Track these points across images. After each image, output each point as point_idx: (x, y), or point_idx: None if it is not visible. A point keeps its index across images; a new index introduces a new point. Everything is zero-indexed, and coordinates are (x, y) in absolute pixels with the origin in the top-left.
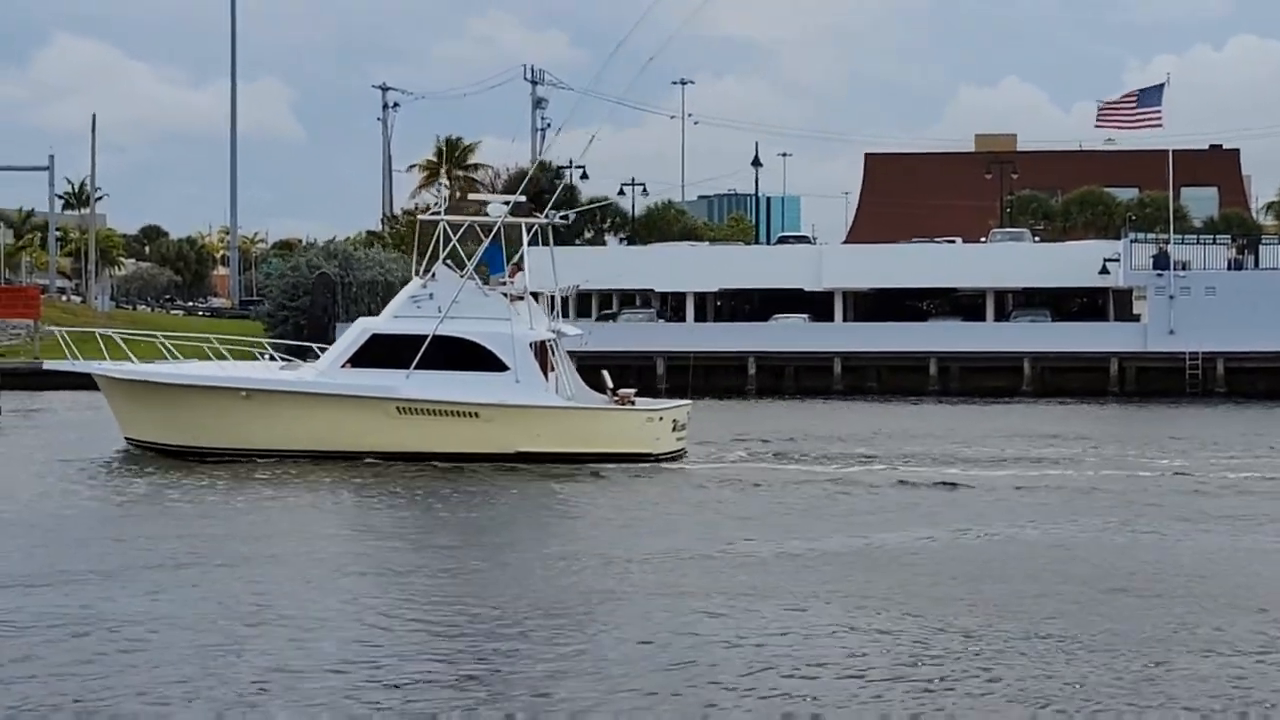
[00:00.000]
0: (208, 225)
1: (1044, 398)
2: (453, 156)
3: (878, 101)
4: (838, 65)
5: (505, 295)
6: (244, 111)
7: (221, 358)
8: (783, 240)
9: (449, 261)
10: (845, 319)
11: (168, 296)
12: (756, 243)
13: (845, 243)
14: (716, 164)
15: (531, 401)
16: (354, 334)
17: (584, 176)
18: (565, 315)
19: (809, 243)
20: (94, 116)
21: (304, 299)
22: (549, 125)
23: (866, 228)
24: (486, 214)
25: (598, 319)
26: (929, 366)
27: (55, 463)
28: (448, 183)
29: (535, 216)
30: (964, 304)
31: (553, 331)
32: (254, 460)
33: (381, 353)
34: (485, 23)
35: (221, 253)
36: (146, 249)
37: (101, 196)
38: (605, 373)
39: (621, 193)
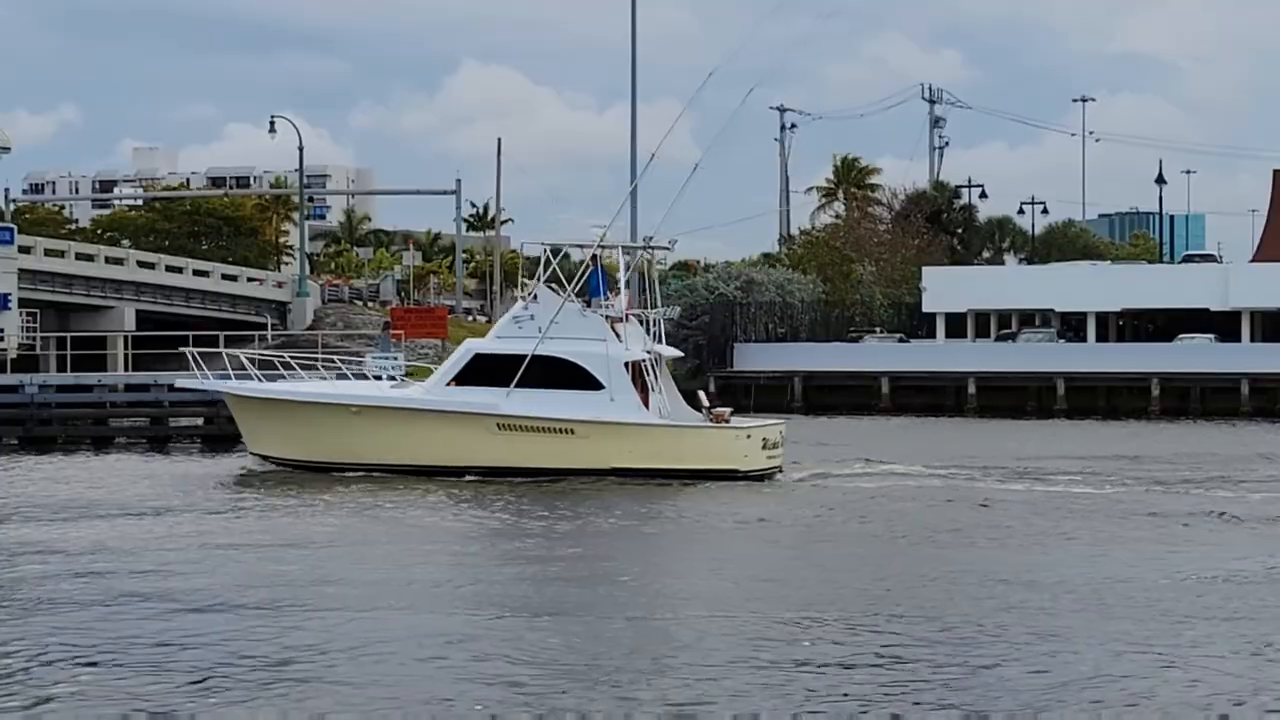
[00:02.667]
0: None
1: None
2: (850, 176)
3: None
4: (1243, 79)
5: (604, 317)
6: (643, 134)
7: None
8: (1187, 259)
9: (552, 284)
10: (1253, 339)
11: None
12: (1160, 261)
13: (1253, 261)
14: (1118, 181)
15: (625, 419)
16: (460, 353)
17: (983, 195)
18: (963, 335)
19: (1215, 261)
20: (499, 141)
21: (702, 319)
22: (947, 143)
23: (1275, 245)
24: (586, 242)
25: (996, 339)
26: None
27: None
28: (844, 201)
29: (635, 244)
30: None
31: (648, 352)
32: (367, 474)
33: (484, 371)
34: (878, 44)
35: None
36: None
37: (506, 220)
38: (701, 392)
39: (1021, 211)
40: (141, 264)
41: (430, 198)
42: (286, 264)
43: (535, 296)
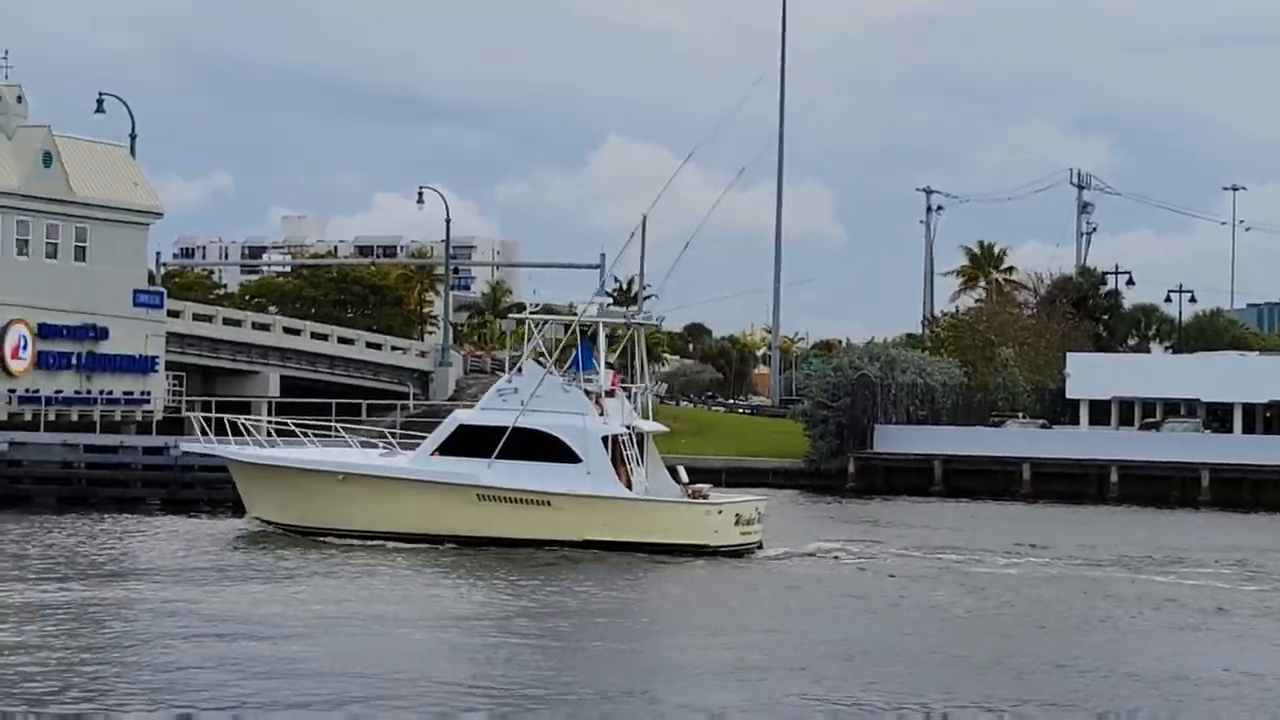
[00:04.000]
0: (749, 324)
1: None
2: (989, 260)
3: None
4: None
5: (587, 391)
6: (787, 213)
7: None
8: None
9: (540, 358)
10: None
11: (709, 393)
12: None
13: None
14: (1267, 271)
15: (600, 492)
16: (446, 424)
17: (1130, 282)
18: (1107, 422)
19: None
20: (644, 217)
21: (844, 400)
22: (1094, 229)
23: None
24: (574, 314)
25: (1140, 428)
26: None
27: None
28: (984, 285)
29: (625, 318)
30: None
31: (626, 427)
32: (348, 540)
33: (467, 442)
34: (1025, 131)
35: (763, 351)
36: (690, 346)
37: (649, 295)
38: (681, 468)
39: (1168, 299)
40: (287, 330)
41: (574, 271)
42: (430, 334)
43: (519, 369)
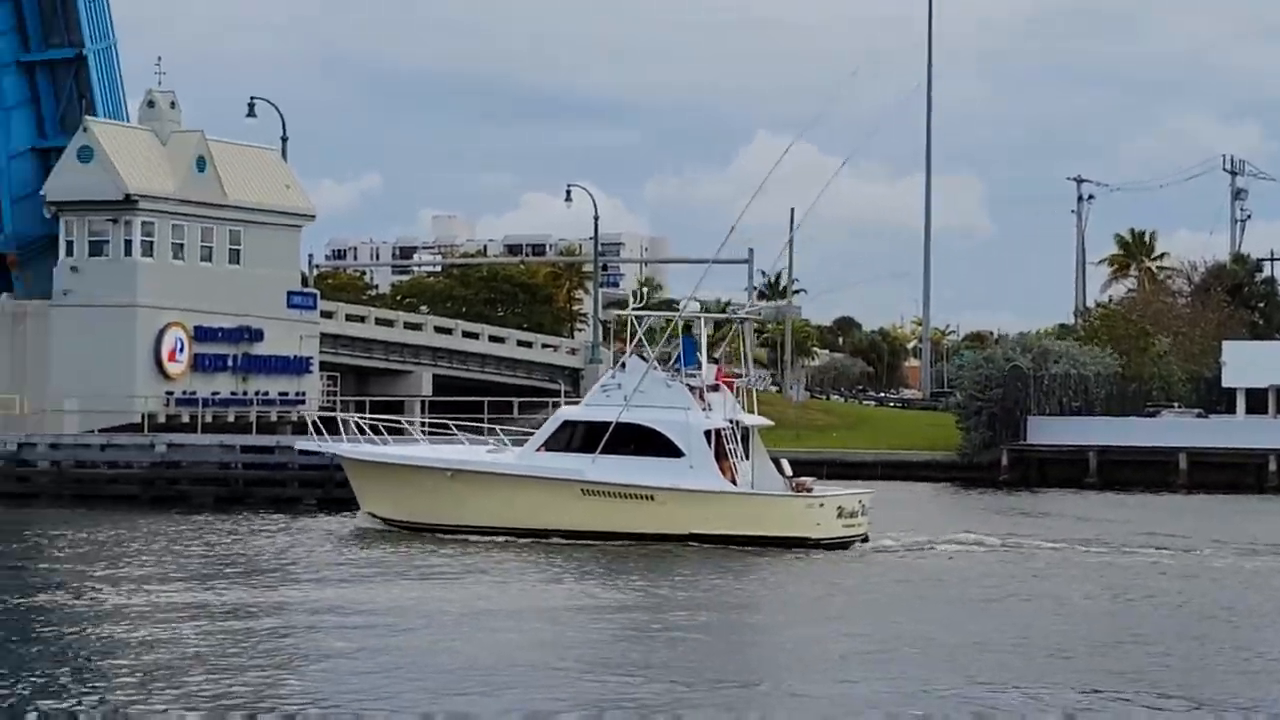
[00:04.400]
0: (899, 317)
1: None
2: (1141, 249)
3: None
4: None
5: (691, 387)
6: (936, 205)
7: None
8: None
9: (643, 354)
10: None
11: (860, 387)
12: None
13: None
14: None
15: (702, 486)
16: (552, 420)
17: None
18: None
19: None
20: (792, 211)
21: (996, 391)
22: (1248, 216)
23: None
24: (675, 309)
25: None
26: None
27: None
28: (1136, 274)
29: (724, 314)
30: None
31: (730, 421)
32: (461, 535)
33: (572, 438)
34: (1175, 119)
35: (913, 344)
36: (840, 340)
37: (798, 289)
38: (785, 461)
39: None
40: (439, 329)
41: (723, 267)
42: (579, 331)
43: (623, 365)
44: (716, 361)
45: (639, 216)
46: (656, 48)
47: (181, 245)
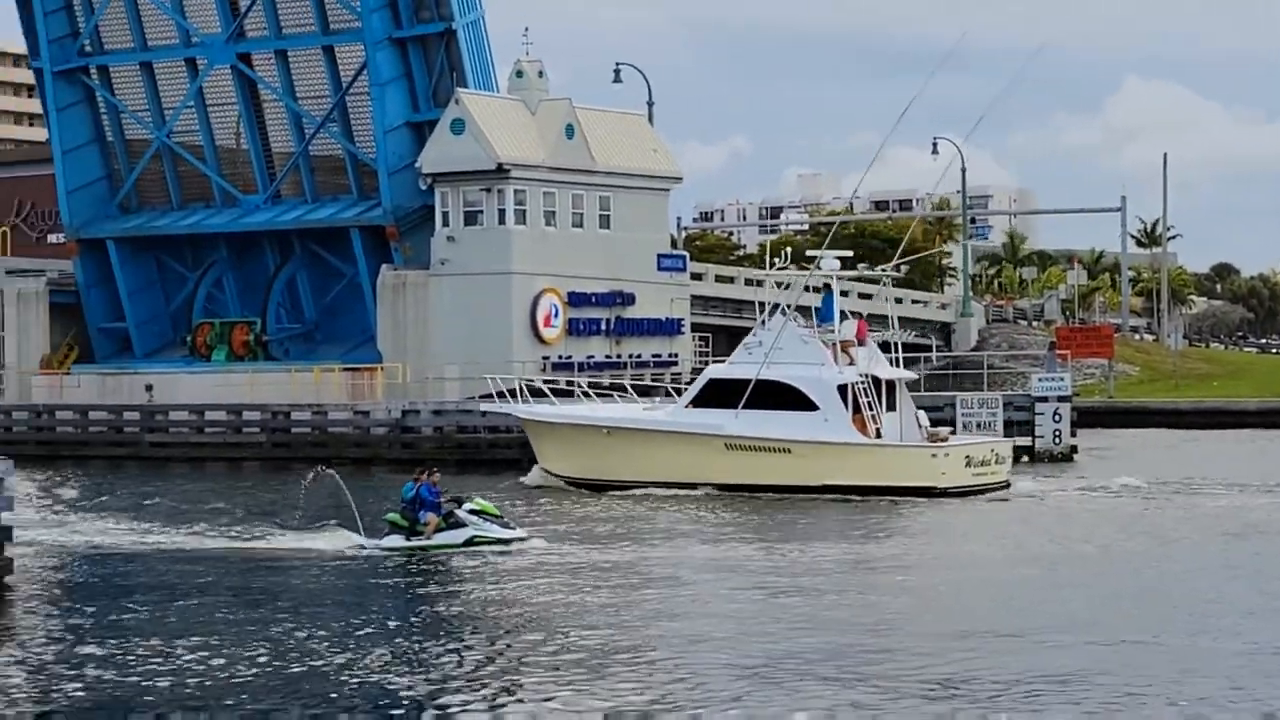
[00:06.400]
0: None
1: None
2: None
3: None
4: None
5: (832, 342)
6: None
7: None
8: None
9: (786, 311)
10: None
11: (1240, 334)
12: None
13: None
14: None
15: (834, 439)
16: (700, 379)
17: None
18: None
19: None
20: (1165, 156)
21: None
22: None
23: None
24: (818, 268)
25: None
26: None
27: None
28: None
29: (857, 271)
30: None
31: (864, 375)
32: (620, 490)
33: (717, 395)
34: None
35: None
36: (1218, 287)
37: (1174, 236)
38: (922, 413)
39: None
40: (808, 288)
41: (1094, 216)
42: (949, 285)
43: (764, 323)
44: (859, 315)
45: (1007, 168)
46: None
47: (553, 212)
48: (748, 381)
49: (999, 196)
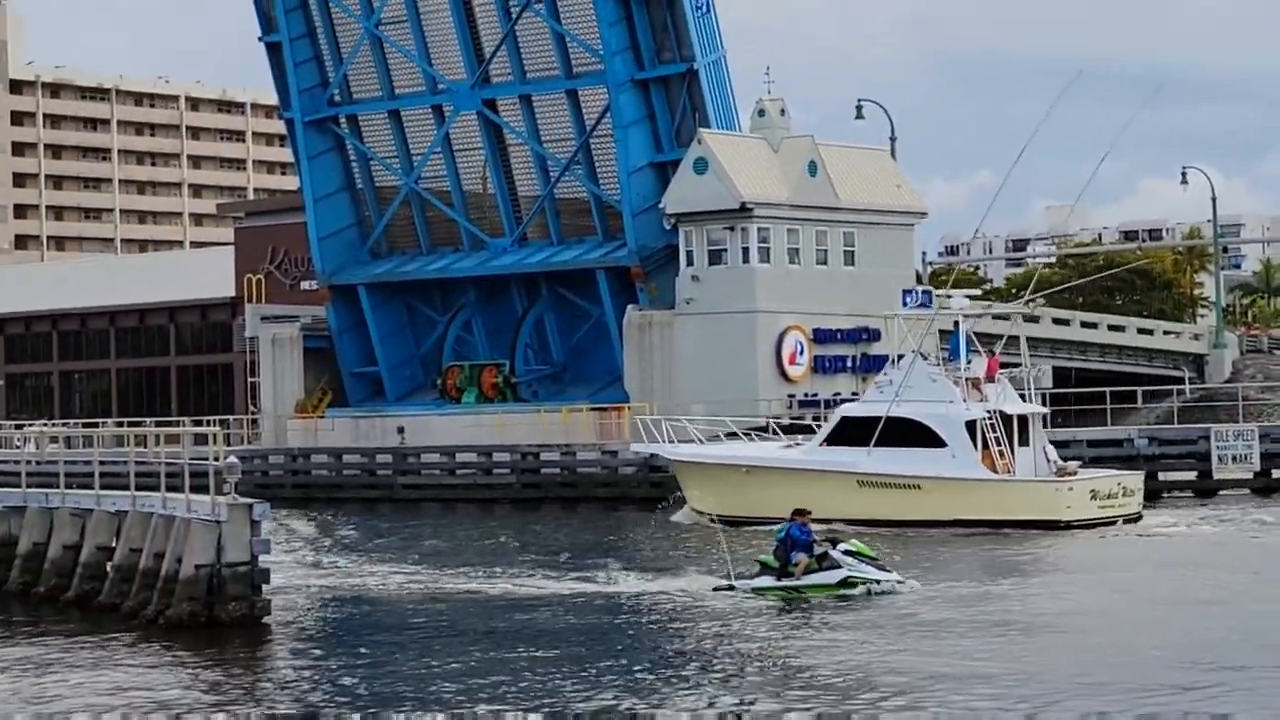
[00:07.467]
0: None
1: None
2: None
3: None
4: None
5: (962, 379)
6: None
7: None
8: None
9: (918, 350)
10: None
11: None
12: None
13: None
14: None
15: (962, 474)
16: (833, 417)
17: None
18: None
19: None
20: None
21: None
22: None
23: None
24: (947, 308)
25: None
26: None
27: None
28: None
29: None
30: None
31: (990, 412)
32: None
33: (850, 433)
34: None
35: None
36: None
37: None
38: (1050, 448)
39: None
40: (1056, 321)
41: None
42: (1202, 316)
43: (894, 362)
44: (991, 352)
45: (1261, 195)
46: (1272, 18)
47: (796, 250)
48: (878, 419)
49: (1252, 224)
